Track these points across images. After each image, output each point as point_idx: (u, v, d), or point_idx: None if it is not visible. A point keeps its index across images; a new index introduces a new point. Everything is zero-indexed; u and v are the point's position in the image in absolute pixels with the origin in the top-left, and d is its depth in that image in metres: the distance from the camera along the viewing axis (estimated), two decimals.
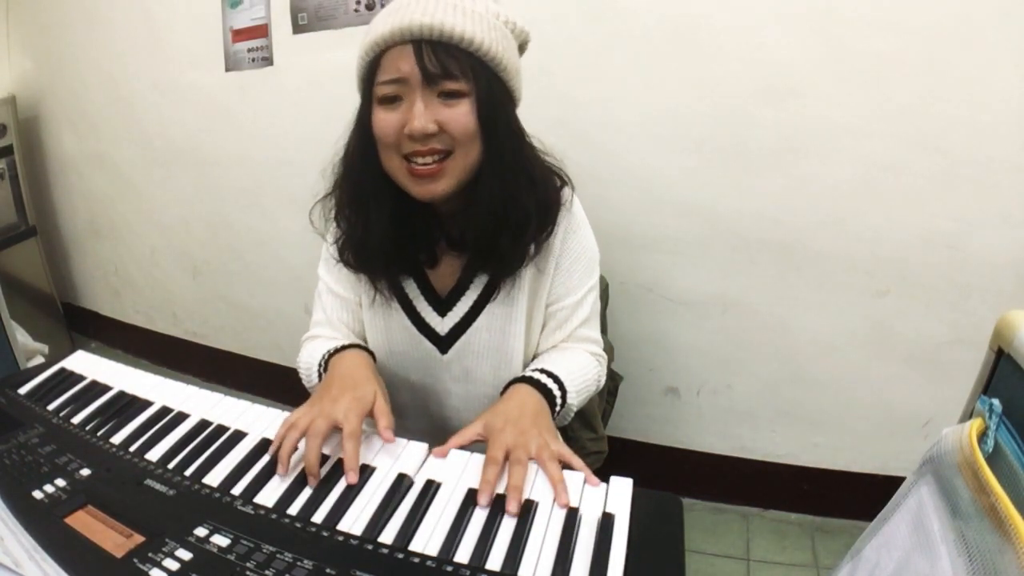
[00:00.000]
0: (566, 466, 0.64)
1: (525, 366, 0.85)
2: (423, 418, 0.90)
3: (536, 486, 0.61)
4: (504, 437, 0.64)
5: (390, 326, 0.84)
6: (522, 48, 0.78)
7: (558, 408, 0.75)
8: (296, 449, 0.63)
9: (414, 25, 0.64)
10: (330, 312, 0.87)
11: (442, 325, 0.82)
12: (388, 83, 0.68)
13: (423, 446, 0.67)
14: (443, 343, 0.83)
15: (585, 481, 0.61)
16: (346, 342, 0.82)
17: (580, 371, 0.81)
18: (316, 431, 0.62)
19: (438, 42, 0.65)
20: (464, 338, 0.82)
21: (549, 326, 0.85)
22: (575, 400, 0.79)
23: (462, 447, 0.67)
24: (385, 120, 0.69)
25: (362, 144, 0.74)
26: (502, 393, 0.76)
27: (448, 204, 0.76)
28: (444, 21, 0.64)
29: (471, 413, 0.84)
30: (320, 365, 0.80)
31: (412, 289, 0.82)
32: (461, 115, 0.68)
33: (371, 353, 0.82)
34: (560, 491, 0.59)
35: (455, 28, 0.65)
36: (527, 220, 0.74)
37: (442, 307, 0.82)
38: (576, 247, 0.82)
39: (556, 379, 0.76)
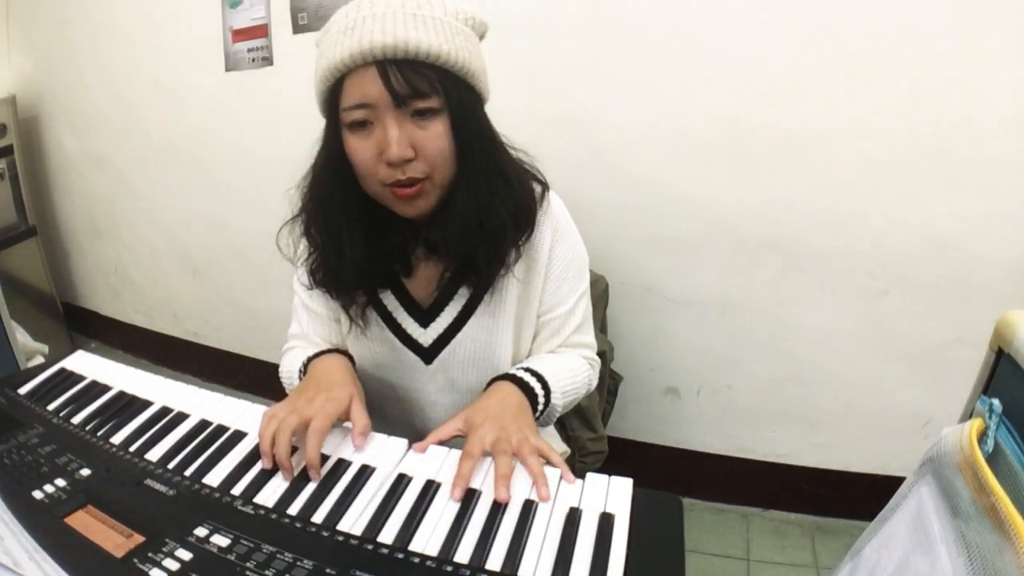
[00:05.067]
0: (545, 462, 0.63)
1: None
2: (410, 430, 0.88)
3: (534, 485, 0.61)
4: (483, 432, 0.64)
5: (372, 338, 0.83)
6: (481, 37, 0.73)
7: (540, 407, 0.75)
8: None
9: (375, 46, 0.61)
10: (306, 326, 0.87)
11: (425, 336, 0.81)
12: (355, 108, 0.64)
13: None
14: (427, 354, 0.82)
15: (561, 478, 0.61)
16: (325, 347, 0.82)
17: (568, 373, 0.81)
18: (286, 426, 0.63)
19: (403, 60, 0.62)
20: (449, 348, 0.81)
21: (542, 335, 0.84)
22: (560, 401, 0.78)
23: (442, 443, 0.67)
24: (360, 148, 0.66)
25: (333, 167, 0.71)
26: (485, 388, 0.76)
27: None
28: (408, 39, 0.61)
29: None
30: (300, 371, 0.79)
31: (391, 301, 0.80)
32: (435, 137, 0.66)
33: (350, 358, 0.81)
34: (540, 485, 0.59)
35: (420, 44, 0.61)
36: (503, 229, 0.72)
37: (424, 318, 0.80)
38: (565, 254, 0.81)
39: (540, 378, 0.76)
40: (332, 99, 0.67)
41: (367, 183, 0.69)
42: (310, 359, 0.79)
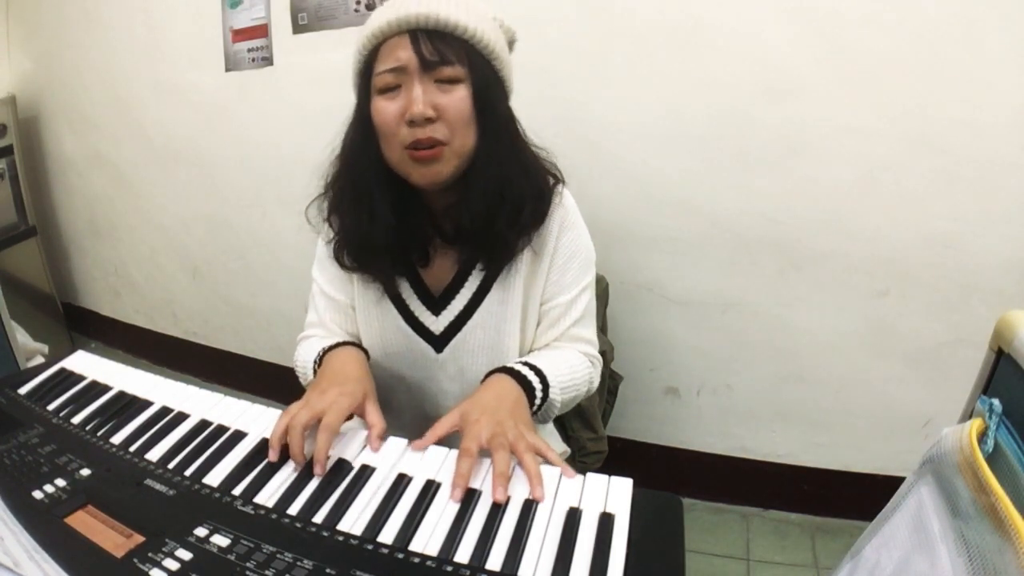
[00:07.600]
0: (543, 460, 0.63)
1: None
2: (419, 418, 0.90)
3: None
4: (479, 428, 0.64)
5: (384, 326, 0.84)
6: (510, 45, 0.79)
7: (538, 402, 0.75)
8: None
9: (411, 15, 0.68)
10: (323, 313, 0.88)
11: (436, 324, 0.83)
12: (387, 72, 0.70)
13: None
14: (438, 342, 0.83)
15: (562, 474, 0.61)
16: (340, 339, 0.83)
17: (568, 369, 0.81)
18: (297, 421, 0.63)
19: (434, 31, 0.68)
20: (459, 336, 0.82)
21: (542, 324, 0.85)
22: (559, 397, 0.78)
23: (441, 440, 0.67)
24: (386, 109, 0.71)
25: (362, 137, 0.76)
26: (483, 381, 0.75)
27: (444, 198, 0.78)
28: (439, 11, 0.68)
29: None
30: (315, 362, 0.80)
31: (405, 289, 0.83)
32: (457, 100, 0.70)
33: (365, 352, 0.82)
34: (536, 484, 0.59)
35: (450, 17, 0.68)
36: (523, 202, 0.75)
37: (436, 306, 0.83)
38: (571, 244, 0.83)
39: (539, 373, 0.76)
40: (367, 67, 0.73)
41: (389, 147, 0.73)
42: (325, 351, 0.79)
